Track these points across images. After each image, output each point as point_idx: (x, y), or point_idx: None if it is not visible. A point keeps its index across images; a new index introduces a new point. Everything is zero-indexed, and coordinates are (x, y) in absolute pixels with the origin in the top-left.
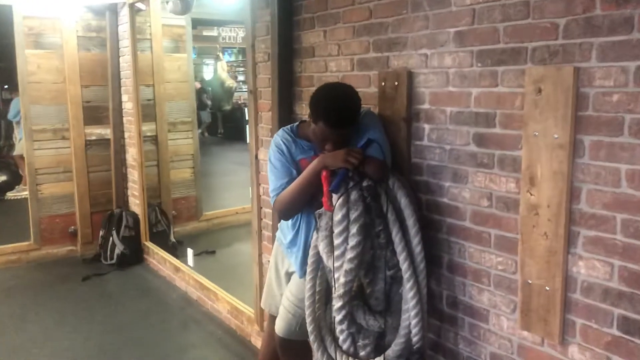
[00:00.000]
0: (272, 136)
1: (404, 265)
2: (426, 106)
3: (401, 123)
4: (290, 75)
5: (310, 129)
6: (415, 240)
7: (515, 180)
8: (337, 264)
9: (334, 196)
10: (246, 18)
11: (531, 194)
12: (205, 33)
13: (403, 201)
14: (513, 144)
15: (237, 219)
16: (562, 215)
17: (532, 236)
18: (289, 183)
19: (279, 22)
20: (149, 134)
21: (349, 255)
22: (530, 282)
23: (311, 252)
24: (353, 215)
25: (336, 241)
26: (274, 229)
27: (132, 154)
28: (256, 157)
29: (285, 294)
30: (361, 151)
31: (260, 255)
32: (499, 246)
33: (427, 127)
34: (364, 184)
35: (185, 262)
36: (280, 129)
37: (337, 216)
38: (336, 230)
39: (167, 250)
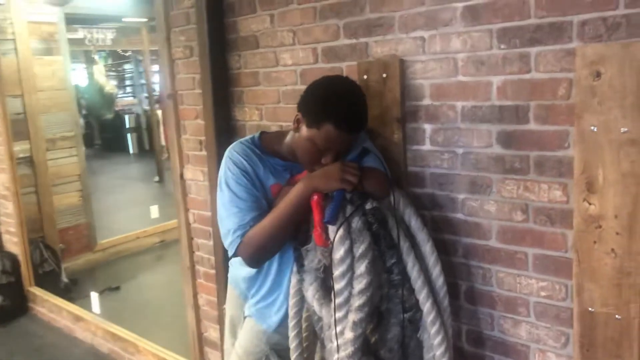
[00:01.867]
0: (202, 149)
1: (426, 305)
2: (426, 102)
3: (394, 124)
4: (226, 72)
5: (293, 138)
6: (436, 271)
7: (562, 187)
8: (339, 315)
9: (330, 227)
10: (154, 6)
11: (590, 203)
12: (69, 36)
13: (414, 223)
14: (557, 143)
15: (138, 245)
16: (638, 227)
17: (594, 254)
18: (260, 217)
19: (207, 8)
20: (22, 155)
21: (357, 302)
22: (592, 310)
23: (292, 301)
24: (359, 249)
25: (337, 285)
26: (217, 265)
27: (2, 181)
28: (181, 176)
29: (235, 348)
30: (357, 165)
31: (195, 296)
32: (542, 268)
33: (428, 127)
34: (367, 206)
35: (86, 306)
36: (236, 143)
37: (338, 253)
38: (337, 271)
39: (59, 294)
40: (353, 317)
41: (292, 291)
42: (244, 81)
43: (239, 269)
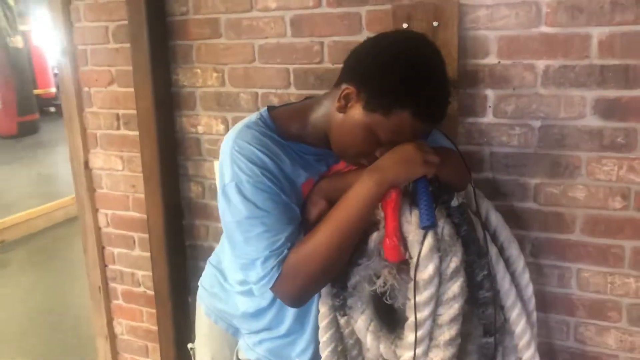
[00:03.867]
0: (121, 127)
1: (519, 326)
2: (492, 60)
3: None
4: (162, 19)
5: (334, 119)
6: (525, 280)
7: None
8: (419, 351)
9: (412, 236)
10: None
11: None
12: None
13: (494, 219)
14: None
15: None
16: None
17: None
18: (297, 234)
19: None
20: None
21: (447, 334)
22: None
23: (324, 337)
24: (450, 264)
25: (420, 314)
26: (158, 281)
27: None
28: (86, 165)
29: None
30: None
31: (110, 323)
32: None
33: (492, 94)
34: (453, 203)
35: None
36: (240, 129)
37: (426, 271)
38: (423, 295)
39: None
40: (441, 355)
41: (322, 323)
42: (193, 32)
43: (232, 298)
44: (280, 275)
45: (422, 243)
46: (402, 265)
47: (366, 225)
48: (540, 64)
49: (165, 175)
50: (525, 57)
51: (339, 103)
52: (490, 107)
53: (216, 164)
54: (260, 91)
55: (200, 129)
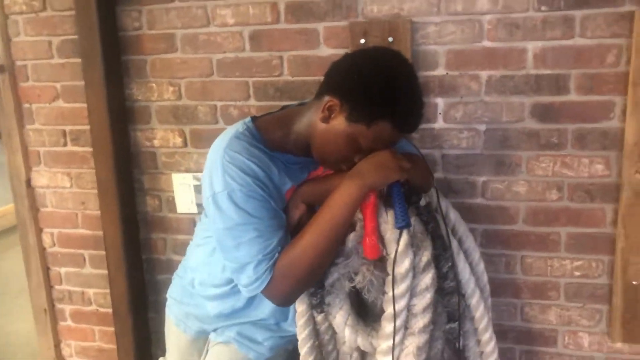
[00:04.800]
0: (68, 144)
1: (479, 310)
2: (441, 72)
3: None
4: (115, 34)
5: (317, 129)
6: (480, 269)
7: (605, 160)
8: (396, 340)
9: (389, 234)
10: None
11: None
12: None
13: (453, 215)
14: (601, 114)
15: None
16: None
17: None
18: (286, 238)
19: None
20: None
21: (420, 322)
22: (635, 283)
23: (302, 335)
24: (422, 257)
25: (398, 305)
26: (116, 300)
27: None
28: (28, 183)
29: None
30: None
31: (57, 345)
32: (577, 247)
33: (442, 102)
34: (421, 203)
35: None
36: (229, 139)
37: (403, 266)
38: (400, 288)
39: None
40: (416, 341)
41: (300, 321)
42: (147, 47)
43: (203, 303)
44: (272, 277)
45: (398, 241)
46: (377, 262)
47: (348, 226)
48: (484, 74)
49: (121, 189)
50: (471, 69)
51: (322, 114)
52: (440, 114)
53: (175, 176)
54: (219, 104)
55: (156, 142)
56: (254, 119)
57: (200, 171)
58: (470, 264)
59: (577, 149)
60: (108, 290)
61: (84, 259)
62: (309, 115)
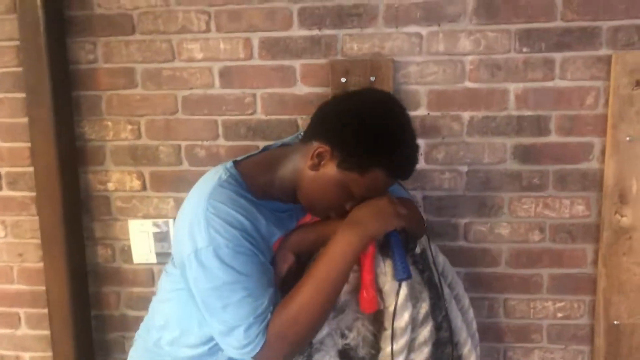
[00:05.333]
0: (3, 188)
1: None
2: (422, 112)
3: None
4: (66, 68)
5: (306, 176)
6: (470, 316)
7: (585, 201)
8: None
9: (388, 286)
10: None
11: (622, 216)
12: None
13: (442, 261)
14: (581, 155)
15: None
16: None
17: (622, 267)
18: (275, 295)
19: None
20: None
21: None
22: (617, 323)
23: None
24: (421, 311)
25: None
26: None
27: None
28: None
29: None
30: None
31: None
32: (559, 289)
33: (423, 143)
34: (417, 250)
35: None
36: (213, 188)
37: (402, 320)
38: (398, 344)
39: None
40: None
41: None
42: (103, 82)
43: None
44: (266, 341)
45: (397, 293)
46: (371, 316)
47: (346, 280)
48: (466, 115)
49: (69, 239)
50: (452, 109)
51: (312, 161)
52: (422, 154)
53: (131, 222)
54: (183, 143)
55: (110, 185)
56: (235, 163)
57: (161, 217)
58: (460, 310)
59: (559, 190)
60: (48, 354)
61: (19, 319)
62: (295, 160)
